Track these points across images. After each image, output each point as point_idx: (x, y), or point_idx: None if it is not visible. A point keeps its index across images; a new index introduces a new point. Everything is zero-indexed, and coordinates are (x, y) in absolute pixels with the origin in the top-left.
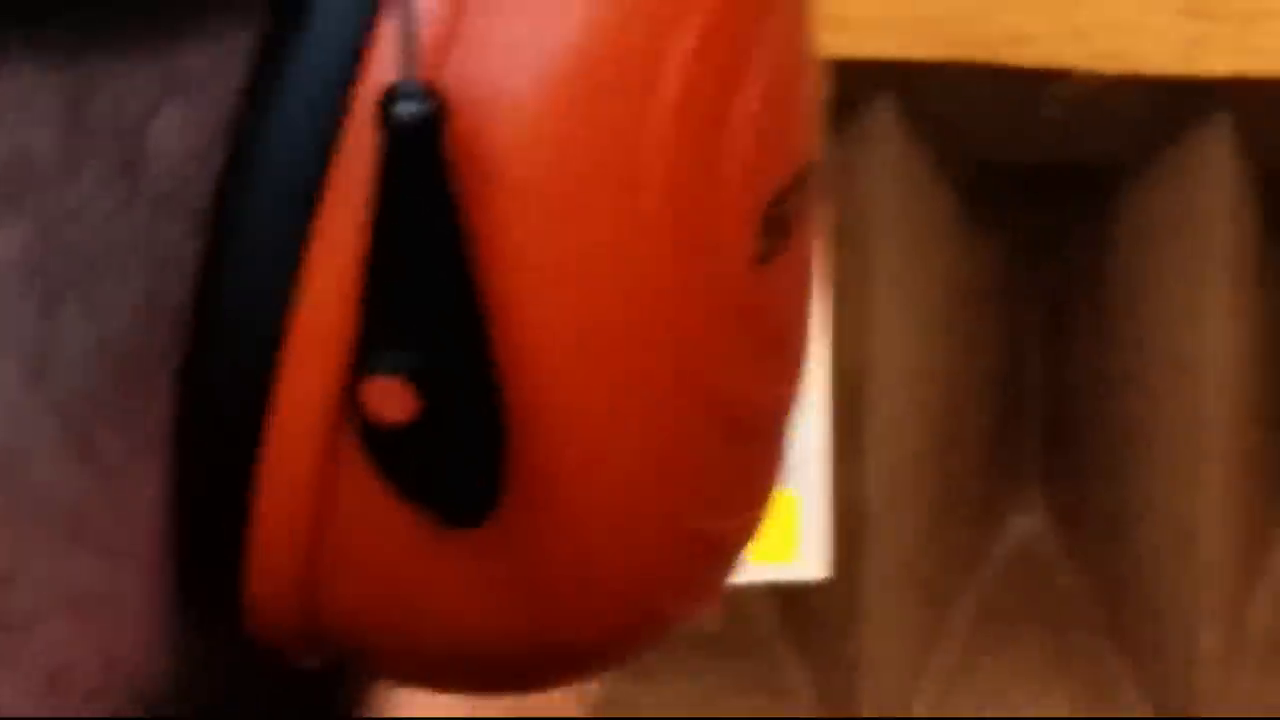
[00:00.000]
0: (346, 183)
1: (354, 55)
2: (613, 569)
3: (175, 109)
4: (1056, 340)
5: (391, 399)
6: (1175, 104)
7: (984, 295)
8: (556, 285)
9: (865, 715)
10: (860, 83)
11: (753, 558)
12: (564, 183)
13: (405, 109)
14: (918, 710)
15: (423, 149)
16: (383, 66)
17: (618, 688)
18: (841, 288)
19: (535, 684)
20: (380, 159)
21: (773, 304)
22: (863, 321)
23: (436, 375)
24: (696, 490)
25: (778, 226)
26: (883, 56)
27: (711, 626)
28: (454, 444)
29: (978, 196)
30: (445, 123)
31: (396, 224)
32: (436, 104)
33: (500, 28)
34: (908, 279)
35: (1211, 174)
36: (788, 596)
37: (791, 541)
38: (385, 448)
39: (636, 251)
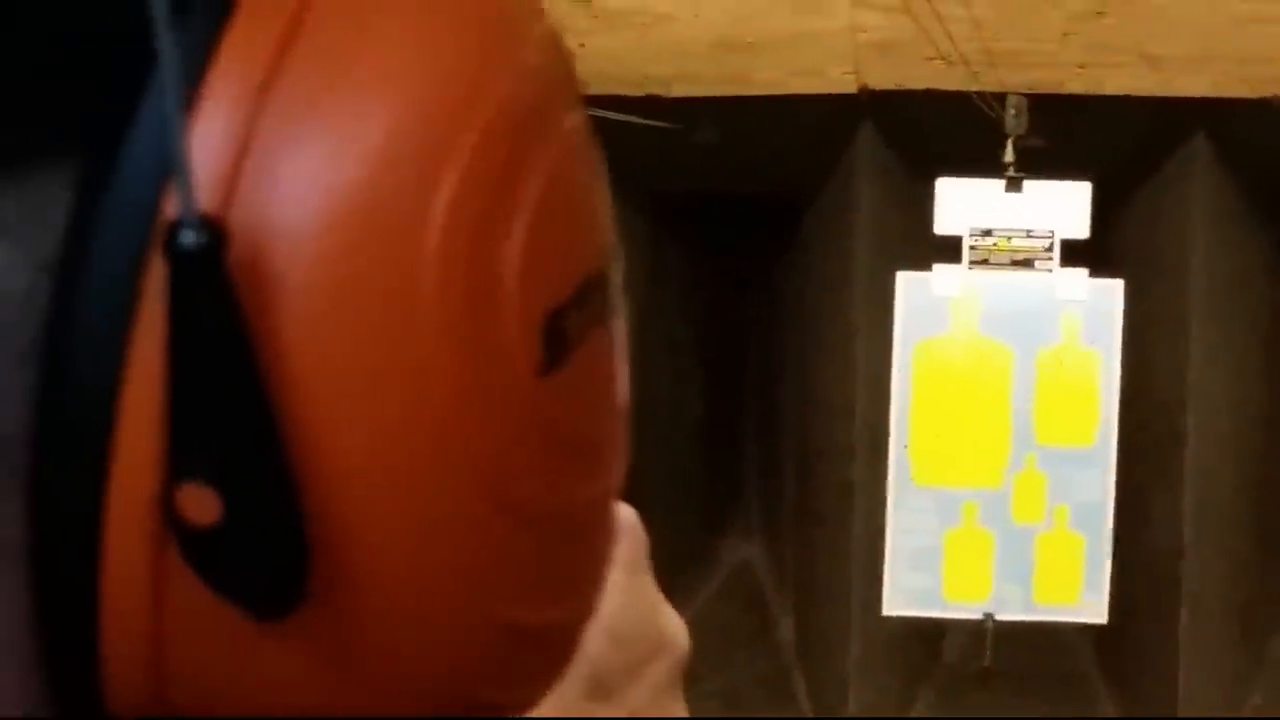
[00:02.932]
0: (152, 310)
1: (155, 196)
2: (419, 657)
3: None
4: None
5: (198, 503)
6: None
7: None
8: (346, 399)
9: None
10: (1173, 121)
11: (1037, 600)
12: (345, 307)
13: (184, 240)
14: None
15: (204, 275)
16: (175, 204)
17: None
18: (1158, 324)
19: None
20: (170, 287)
21: (562, 409)
22: (1178, 357)
23: (235, 481)
24: (501, 584)
25: (560, 338)
26: (1195, 94)
27: (1026, 662)
28: (256, 543)
29: None
30: (224, 251)
31: (187, 344)
32: (215, 234)
33: (284, 166)
34: (1222, 315)
35: None
36: (1102, 631)
37: (1076, 585)
38: (197, 549)
39: (418, 367)
